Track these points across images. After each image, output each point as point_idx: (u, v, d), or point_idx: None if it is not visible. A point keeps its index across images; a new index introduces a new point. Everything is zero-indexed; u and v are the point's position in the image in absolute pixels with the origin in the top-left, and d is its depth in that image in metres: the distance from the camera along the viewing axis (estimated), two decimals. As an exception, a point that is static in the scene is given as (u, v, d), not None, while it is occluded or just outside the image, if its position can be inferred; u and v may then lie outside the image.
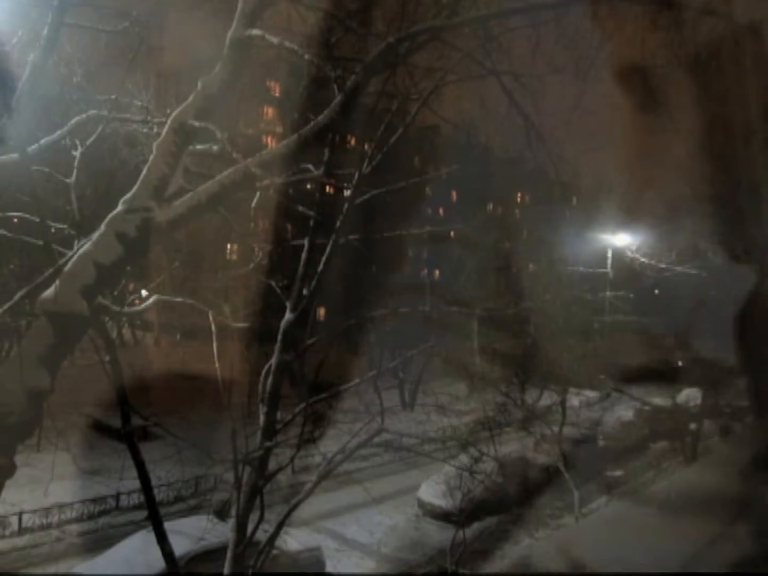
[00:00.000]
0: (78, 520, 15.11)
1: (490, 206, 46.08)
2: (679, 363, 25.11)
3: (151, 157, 4.61)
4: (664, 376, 24.21)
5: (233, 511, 7.84)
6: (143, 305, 7.30)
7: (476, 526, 15.96)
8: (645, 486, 17.80)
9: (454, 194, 49.01)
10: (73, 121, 6.38)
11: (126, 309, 7.12)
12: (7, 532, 14.11)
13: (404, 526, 16.71)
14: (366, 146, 9.09)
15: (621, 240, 27.28)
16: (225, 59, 4.81)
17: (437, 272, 39.67)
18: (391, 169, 9.80)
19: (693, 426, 19.20)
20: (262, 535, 7.91)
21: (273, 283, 8.79)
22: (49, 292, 4.10)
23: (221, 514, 10.99)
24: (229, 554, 7.74)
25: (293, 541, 12.44)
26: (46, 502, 14.39)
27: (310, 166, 7.35)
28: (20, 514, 14.15)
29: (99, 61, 8.38)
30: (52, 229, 6.39)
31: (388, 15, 7.24)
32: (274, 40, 4.83)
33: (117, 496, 15.52)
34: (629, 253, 22.25)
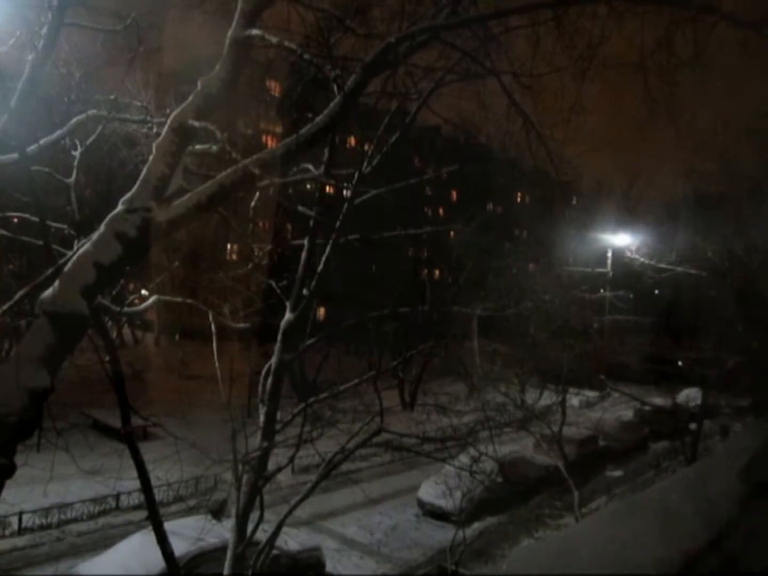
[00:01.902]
0: (78, 520, 15.14)
1: (490, 206, 46.10)
2: (679, 363, 25.14)
3: (151, 157, 4.59)
4: (664, 376, 24.23)
5: (233, 511, 7.84)
6: (143, 305, 7.30)
7: (476, 526, 15.98)
8: (645, 486, 17.78)
9: (454, 194, 49.10)
10: (73, 121, 6.38)
11: (126, 309, 7.11)
12: (7, 532, 14.11)
13: (404, 526, 16.72)
14: (366, 146, 9.08)
15: (621, 240, 27.33)
16: (225, 59, 4.79)
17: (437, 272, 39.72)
18: (391, 169, 9.82)
19: (693, 426, 19.21)
20: (262, 535, 7.91)
21: (273, 283, 8.79)
22: (49, 292, 4.08)
23: (218, 513, 11.00)
24: (229, 554, 7.74)
25: (293, 541, 12.45)
26: (46, 502, 14.40)
27: (310, 166, 7.36)
28: (20, 514, 14.16)
29: (99, 61, 8.40)
30: (52, 229, 6.39)
31: (388, 15, 7.25)
32: (274, 40, 4.82)
33: (117, 496, 15.54)
34: (629, 253, 22.24)
